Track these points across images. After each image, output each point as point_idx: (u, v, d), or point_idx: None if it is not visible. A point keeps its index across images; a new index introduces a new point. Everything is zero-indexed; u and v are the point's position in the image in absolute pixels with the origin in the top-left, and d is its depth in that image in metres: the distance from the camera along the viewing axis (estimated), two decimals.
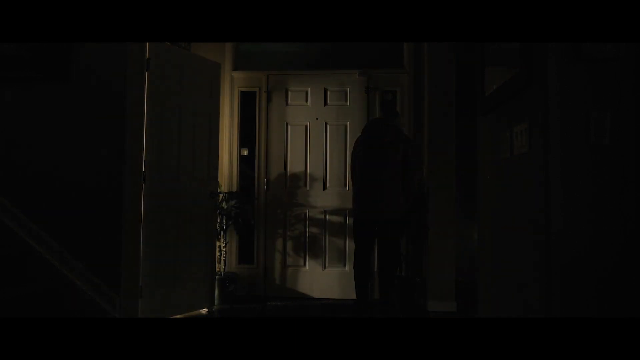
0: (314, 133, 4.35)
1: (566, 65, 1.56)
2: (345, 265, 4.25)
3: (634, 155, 1.52)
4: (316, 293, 4.25)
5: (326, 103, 4.35)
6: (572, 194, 1.54)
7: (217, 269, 4.07)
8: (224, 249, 4.14)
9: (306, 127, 4.36)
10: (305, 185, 4.33)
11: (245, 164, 4.49)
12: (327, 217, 4.29)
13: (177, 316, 3.55)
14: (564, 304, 1.54)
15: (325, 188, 4.31)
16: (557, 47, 1.56)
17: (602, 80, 1.55)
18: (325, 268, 4.27)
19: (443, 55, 3.93)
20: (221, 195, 4.04)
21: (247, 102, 4.49)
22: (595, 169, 1.54)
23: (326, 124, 4.34)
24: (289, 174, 4.36)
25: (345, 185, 4.28)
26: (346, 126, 4.32)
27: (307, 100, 4.37)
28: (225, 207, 4.06)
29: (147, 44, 3.27)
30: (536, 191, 1.65)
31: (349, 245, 4.23)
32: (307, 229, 4.31)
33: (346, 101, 4.34)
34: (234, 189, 4.39)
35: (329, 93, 4.35)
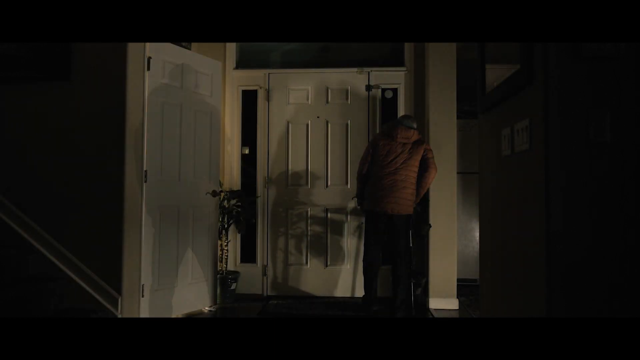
0: (315, 131, 4.36)
1: (566, 63, 1.56)
2: (347, 263, 4.26)
3: (634, 153, 1.52)
4: (318, 291, 4.26)
5: (327, 101, 4.36)
6: (572, 191, 1.54)
7: (219, 268, 4.08)
8: (226, 248, 4.15)
9: (307, 125, 4.36)
10: (307, 183, 4.34)
11: (247, 163, 4.49)
12: (329, 215, 4.30)
13: (179, 315, 3.56)
14: (564, 303, 1.54)
15: (327, 186, 4.32)
16: (557, 45, 1.56)
17: (602, 79, 1.54)
18: (327, 266, 4.27)
19: (444, 53, 3.93)
20: (222, 194, 4.05)
21: (248, 101, 4.49)
22: (595, 167, 1.53)
23: (327, 122, 4.34)
24: (290, 172, 4.36)
25: (347, 183, 4.29)
26: (347, 125, 4.32)
27: (308, 99, 4.38)
28: (226, 205, 4.07)
29: (148, 43, 3.28)
30: (537, 188, 1.65)
31: (350, 243, 4.25)
32: (309, 227, 4.32)
33: (347, 99, 4.34)
34: (236, 187, 4.40)
35: (329, 91, 4.36)
